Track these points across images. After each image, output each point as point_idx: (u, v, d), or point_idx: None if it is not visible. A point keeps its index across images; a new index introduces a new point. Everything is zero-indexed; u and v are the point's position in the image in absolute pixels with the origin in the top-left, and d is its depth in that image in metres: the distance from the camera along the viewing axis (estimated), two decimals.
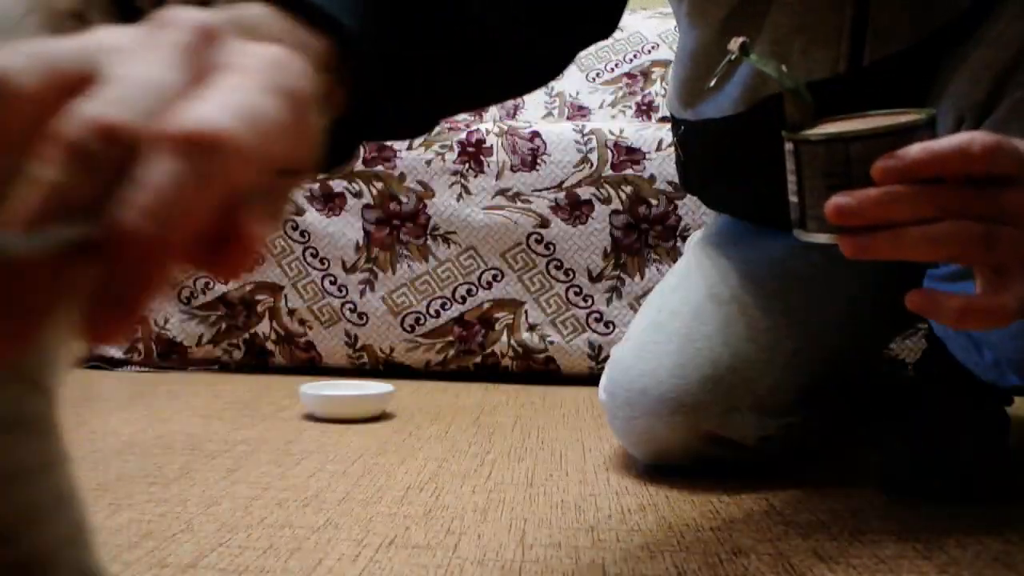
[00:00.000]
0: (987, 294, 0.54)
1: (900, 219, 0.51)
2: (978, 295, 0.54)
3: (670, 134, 1.17)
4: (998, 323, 0.53)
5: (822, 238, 0.55)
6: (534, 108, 2.25)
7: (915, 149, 0.51)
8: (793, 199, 0.57)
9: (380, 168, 1.72)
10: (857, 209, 0.51)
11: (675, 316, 0.98)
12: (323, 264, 1.74)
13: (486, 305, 1.71)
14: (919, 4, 0.85)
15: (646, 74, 2.22)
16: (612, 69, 2.23)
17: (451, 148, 1.70)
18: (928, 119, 0.54)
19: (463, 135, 1.71)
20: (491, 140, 1.70)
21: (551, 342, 1.69)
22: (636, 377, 0.96)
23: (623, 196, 1.67)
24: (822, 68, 0.89)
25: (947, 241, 0.51)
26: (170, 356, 1.82)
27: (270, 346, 1.78)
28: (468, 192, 1.69)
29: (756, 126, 0.94)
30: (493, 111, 2.22)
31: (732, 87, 0.96)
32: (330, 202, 1.74)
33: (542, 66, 0.66)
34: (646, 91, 2.18)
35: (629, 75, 2.23)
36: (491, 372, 1.72)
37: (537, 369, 1.71)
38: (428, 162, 1.70)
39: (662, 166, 1.66)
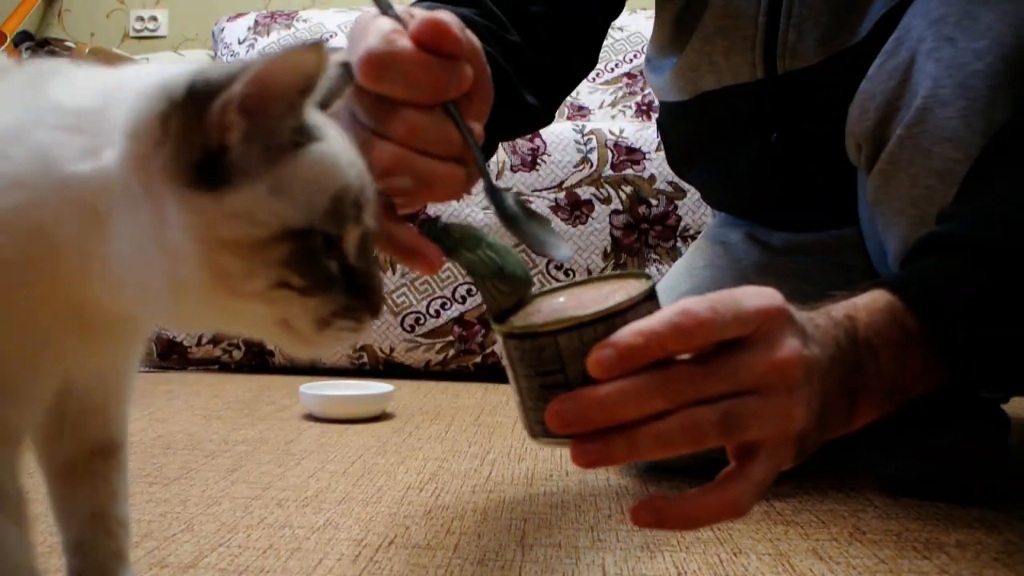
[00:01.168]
0: (714, 489, 0.48)
1: (630, 418, 0.45)
2: (703, 492, 0.48)
3: None
4: (732, 518, 0.49)
5: (553, 443, 0.47)
6: None
7: (627, 334, 0.44)
8: (516, 398, 0.48)
9: None
10: (580, 415, 0.44)
11: None
12: None
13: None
14: (825, 25, 0.91)
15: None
16: (612, 69, 2.23)
17: None
18: (641, 293, 0.46)
19: None
20: None
21: None
22: None
23: (623, 196, 1.67)
24: (744, 73, 0.96)
25: (681, 438, 0.45)
26: (170, 356, 1.82)
27: (270, 346, 1.78)
28: (468, 192, 1.69)
29: (699, 114, 1.04)
30: None
31: (674, 77, 1.04)
32: None
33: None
34: (646, 91, 2.18)
35: (629, 75, 2.23)
36: (491, 372, 1.72)
37: None
38: None
39: (662, 166, 1.66)
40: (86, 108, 0.41)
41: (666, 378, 0.45)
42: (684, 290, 1.03)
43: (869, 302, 0.56)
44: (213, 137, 0.39)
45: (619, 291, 0.47)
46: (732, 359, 0.46)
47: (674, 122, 1.13)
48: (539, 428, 0.47)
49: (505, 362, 0.48)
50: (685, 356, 0.46)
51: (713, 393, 0.46)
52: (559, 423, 0.45)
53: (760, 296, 0.48)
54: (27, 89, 0.44)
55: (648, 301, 0.46)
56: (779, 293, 0.49)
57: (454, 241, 0.49)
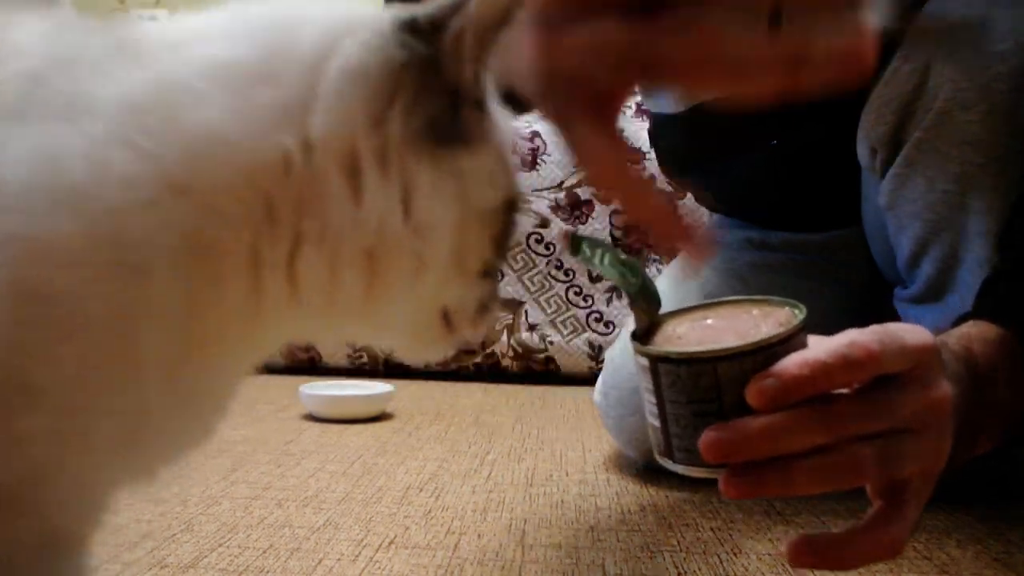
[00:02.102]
0: (873, 530, 0.48)
1: (788, 451, 0.44)
2: (862, 533, 0.48)
3: None
4: (889, 558, 0.49)
5: (696, 472, 0.45)
6: None
7: (793, 365, 0.43)
8: (654, 423, 0.46)
9: None
10: (738, 446, 0.43)
11: None
12: None
13: None
14: None
15: None
16: None
17: None
18: (800, 323, 0.45)
19: None
20: None
21: (551, 342, 1.69)
22: (627, 376, 0.96)
23: None
24: None
25: (839, 474, 0.45)
26: None
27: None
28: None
29: (696, 124, 1.02)
30: None
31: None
32: None
33: None
34: None
35: None
36: (491, 372, 1.72)
37: (537, 369, 1.71)
38: None
39: None
40: (253, 61, 0.32)
41: (829, 413, 0.44)
42: (679, 294, 1.03)
43: (981, 334, 0.57)
44: (450, 78, 0.33)
45: (767, 317, 0.46)
46: (892, 396, 0.46)
47: (668, 132, 1.13)
48: (683, 455, 0.45)
49: (645, 384, 0.46)
50: (842, 391, 0.45)
51: (873, 430, 0.45)
52: (715, 453, 0.43)
53: (917, 333, 0.47)
54: (140, 47, 0.33)
55: (803, 332, 0.45)
56: (928, 331, 0.48)
57: (600, 255, 0.47)
